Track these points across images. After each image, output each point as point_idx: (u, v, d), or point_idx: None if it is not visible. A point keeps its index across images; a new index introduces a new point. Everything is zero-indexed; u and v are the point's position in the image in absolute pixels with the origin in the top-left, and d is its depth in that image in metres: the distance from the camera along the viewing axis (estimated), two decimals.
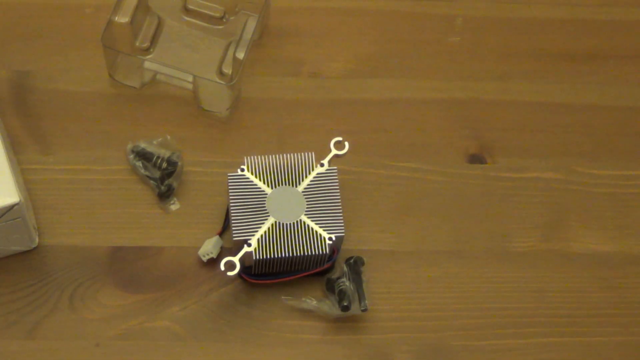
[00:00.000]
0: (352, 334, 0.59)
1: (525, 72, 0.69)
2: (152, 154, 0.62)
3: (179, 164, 0.62)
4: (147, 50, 0.65)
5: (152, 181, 0.62)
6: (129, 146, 0.62)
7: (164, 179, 0.62)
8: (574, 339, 0.60)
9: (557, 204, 0.64)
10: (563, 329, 0.60)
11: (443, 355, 0.59)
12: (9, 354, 0.58)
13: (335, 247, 0.57)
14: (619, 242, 0.63)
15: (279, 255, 0.56)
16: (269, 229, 0.57)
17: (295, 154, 0.59)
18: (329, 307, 0.58)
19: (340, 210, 0.58)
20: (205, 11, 0.66)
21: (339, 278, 0.58)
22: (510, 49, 0.70)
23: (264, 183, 0.58)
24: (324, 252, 0.56)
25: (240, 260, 0.56)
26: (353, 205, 0.63)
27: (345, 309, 0.57)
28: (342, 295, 0.58)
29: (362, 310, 0.57)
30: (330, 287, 0.59)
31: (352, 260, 0.59)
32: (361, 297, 0.58)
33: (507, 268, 0.62)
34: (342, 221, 0.57)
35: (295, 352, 0.59)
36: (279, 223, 0.57)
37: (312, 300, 0.58)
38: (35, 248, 0.60)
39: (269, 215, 0.57)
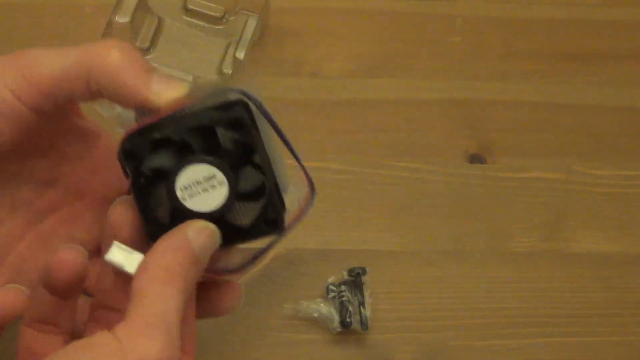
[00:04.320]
0: (352, 334, 0.59)
1: (525, 72, 0.69)
2: None
3: None
4: (147, 50, 0.64)
5: None
6: None
7: None
8: (574, 339, 0.60)
9: (557, 204, 0.64)
10: (563, 329, 0.60)
11: (443, 355, 0.59)
12: (10, 354, 0.58)
13: None
14: (619, 242, 0.63)
15: None
16: None
17: None
18: (330, 320, 0.58)
19: None
20: (205, 11, 0.66)
21: (340, 284, 0.59)
22: (510, 49, 0.70)
23: None
24: None
25: None
26: (353, 205, 0.63)
27: (347, 325, 0.57)
28: (343, 310, 0.58)
29: (363, 330, 0.57)
30: (332, 296, 0.59)
31: (354, 273, 0.59)
32: (362, 316, 0.58)
33: (507, 268, 0.62)
34: None
35: (295, 352, 0.59)
36: None
37: (314, 312, 0.58)
38: None
39: None
